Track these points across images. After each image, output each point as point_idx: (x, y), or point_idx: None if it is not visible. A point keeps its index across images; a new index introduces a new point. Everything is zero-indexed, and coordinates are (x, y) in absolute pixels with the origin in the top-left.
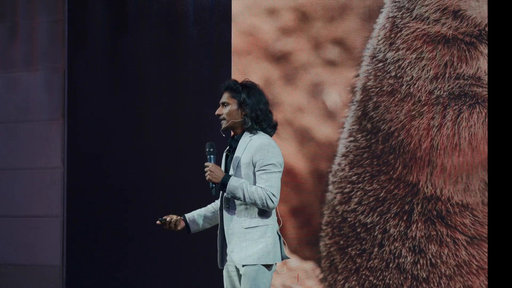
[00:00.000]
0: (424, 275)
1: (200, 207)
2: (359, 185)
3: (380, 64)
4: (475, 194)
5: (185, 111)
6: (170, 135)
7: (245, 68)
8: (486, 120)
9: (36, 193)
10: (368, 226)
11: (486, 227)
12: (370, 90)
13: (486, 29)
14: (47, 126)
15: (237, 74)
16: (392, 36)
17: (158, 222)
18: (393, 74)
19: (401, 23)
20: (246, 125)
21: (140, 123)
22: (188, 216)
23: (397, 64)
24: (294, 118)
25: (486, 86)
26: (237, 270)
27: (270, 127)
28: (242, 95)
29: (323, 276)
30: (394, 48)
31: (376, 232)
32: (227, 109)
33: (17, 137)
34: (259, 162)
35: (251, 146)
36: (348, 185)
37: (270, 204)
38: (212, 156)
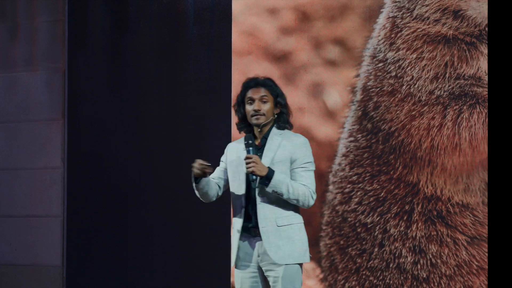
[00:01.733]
0: (425, 275)
1: (200, 207)
2: (360, 185)
3: (381, 64)
4: (475, 194)
5: (185, 111)
6: (170, 135)
7: (245, 68)
8: (487, 120)
9: (36, 193)
10: (369, 226)
11: (486, 227)
12: (371, 90)
13: (487, 29)
14: (47, 126)
15: (237, 74)
16: (392, 36)
17: (204, 164)
18: (393, 74)
19: (402, 23)
20: (280, 122)
21: (140, 123)
22: (205, 179)
23: (397, 64)
24: (294, 118)
25: (487, 86)
26: (261, 270)
27: (291, 126)
28: (277, 93)
29: (323, 276)
30: (394, 48)
31: (377, 232)
32: (268, 105)
33: (17, 137)
34: (300, 160)
35: (288, 144)
36: (349, 185)
37: (311, 202)
38: (251, 148)
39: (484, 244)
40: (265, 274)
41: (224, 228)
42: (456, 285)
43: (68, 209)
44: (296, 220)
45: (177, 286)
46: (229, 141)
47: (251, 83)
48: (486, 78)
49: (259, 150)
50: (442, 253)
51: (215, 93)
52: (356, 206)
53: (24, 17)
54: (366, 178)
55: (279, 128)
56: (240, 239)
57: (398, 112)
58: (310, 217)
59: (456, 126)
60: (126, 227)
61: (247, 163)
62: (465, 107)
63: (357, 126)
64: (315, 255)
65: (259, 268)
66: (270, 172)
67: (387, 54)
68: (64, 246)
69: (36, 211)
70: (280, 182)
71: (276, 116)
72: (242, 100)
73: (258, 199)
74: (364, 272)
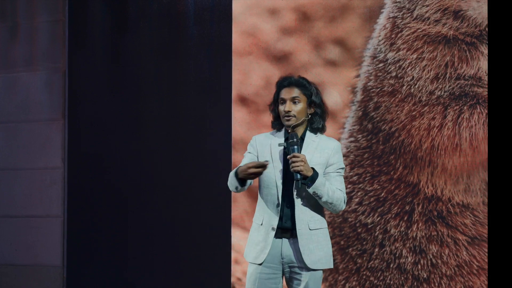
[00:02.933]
0: (425, 276)
1: (200, 207)
2: (360, 185)
3: (381, 65)
4: (475, 195)
5: (185, 111)
6: (170, 135)
7: (245, 68)
8: (487, 120)
9: (36, 193)
10: (369, 226)
11: (487, 227)
12: (371, 91)
13: (487, 29)
14: (47, 126)
15: (238, 74)
16: (392, 36)
17: (265, 162)
18: (393, 74)
19: (402, 23)
20: (314, 124)
21: (140, 123)
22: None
23: (397, 65)
24: None
25: (487, 87)
26: (283, 271)
27: (324, 129)
28: (311, 93)
29: (324, 276)
30: (394, 48)
31: (377, 232)
32: (299, 106)
33: (17, 137)
34: (336, 164)
35: (325, 147)
36: (349, 185)
37: (344, 206)
38: (296, 146)
39: (485, 244)
40: (288, 275)
41: (224, 228)
42: (456, 285)
43: (68, 209)
44: (325, 224)
45: (177, 286)
46: (229, 141)
47: (284, 83)
48: (486, 78)
49: (295, 149)
50: (442, 253)
51: (215, 93)
52: (356, 207)
53: (24, 17)
54: (366, 179)
55: (312, 130)
56: (267, 236)
57: (398, 112)
58: None
59: (457, 127)
60: (126, 227)
61: (293, 161)
62: (465, 108)
63: (358, 126)
64: None
65: (281, 270)
66: (315, 174)
67: (388, 54)
68: (64, 246)
69: (36, 211)
70: (322, 185)
71: (310, 116)
72: (276, 100)
73: (297, 199)
74: (364, 273)
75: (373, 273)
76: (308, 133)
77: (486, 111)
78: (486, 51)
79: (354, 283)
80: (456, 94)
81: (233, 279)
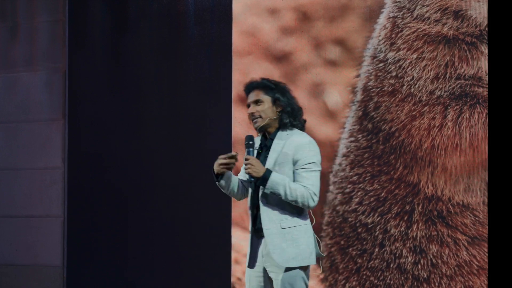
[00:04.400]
0: (425, 275)
1: (200, 207)
2: (360, 185)
3: (381, 64)
4: (475, 194)
5: (185, 111)
6: (170, 135)
7: (245, 68)
8: (487, 120)
9: (36, 193)
10: (369, 226)
11: (487, 227)
12: (371, 90)
13: (487, 29)
14: (47, 126)
15: (238, 74)
16: (393, 36)
17: (233, 153)
18: (394, 74)
19: (402, 23)
20: (282, 121)
21: (140, 123)
22: (231, 175)
23: (398, 64)
24: None
25: (487, 87)
26: (265, 272)
27: (301, 124)
28: (275, 91)
29: (324, 276)
30: (395, 48)
31: (377, 232)
32: (262, 106)
33: (17, 137)
34: (300, 161)
35: (291, 144)
36: (349, 185)
37: (312, 203)
38: (251, 149)
39: (485, 244)
40: (269, 275)
41: (224, 228)
42: (456, 285)
43: (68, 209)
44: (301, 222)
45: (177, 286)
46: (229, 141)
47: (247, 88)
48: (486, 78)
49: (267, 151)
50: (442, 253)
51: (215, 93)
52: (356, 206)
53: (24, 17)
54: (366, 178)
55: (284, 128)
56: (252, 239)
57: (398, 112)
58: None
59: (457, 126)
60: (126, 227)
61: (245, 164)
62: (465, 107)
63: (358, 126)
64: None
65: (264, 269)
66: (267, 173)
67: (388, 54)
68: (64, 246)
69: (36, 211)
70: (277, 183)
71: (279, 114)
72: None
73: (261, 201)
74: (364, 272)
75: (373, 273)
76: (279, 132)
77: (486, 111)
78: (486, 51)
79: (354, 283)
80: (456, 94)
81: (233, 279)
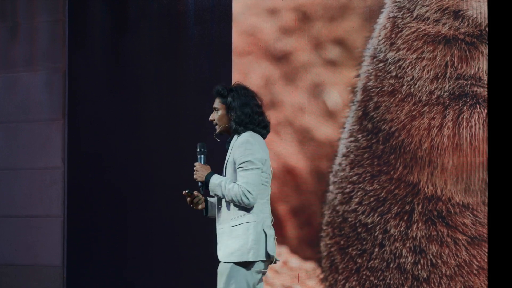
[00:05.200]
0: (425, 275)
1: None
2: (360, 185)
3: (381, 64)
4: (475, 194)
5: (185, 111)
6: (170, 135)
7: (245, 68)
8: (487, 120)
9: (36, 193)
10: (369, 226)
11: (487, 227)
12: (371, 90)
13: (487, 29)
14: (47, 126)
15: (238, 74)
16: (392, 36)
17: (184, 192)
18: (393, 74)
19: (402, 23)
20: (232, 128)
21: (140, 123)
22: (209, 199)
23: (397, 64)
24: (294, 118)
25: (487, 87)
26: None
27: (260, 127)
28: (228, 100)
29: (324, 276)
30: (394, 48)
31: (377, 232)
32: (218, 114)
33: (17, 137)
34: (237, 160)
35: (233, 146)
36: (349, 185)
37: (245, 200)
38: (202, 156)
39: (485, 244)
40: None
41: None
42: (456, 285)
43: (68, 209)
44: (246, 219)
45: (177, 286)
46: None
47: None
48: (486, 78)
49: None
50: (442, 253)
51: None
52: (356, 206)
53: (24, 17)
54: (366, 178)
55: (236, 131)
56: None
57: (398, 112)
58: (310, 217)
59: (457, 126)
60: (126, 227)
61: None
62: (465, 107)
63: (358, 126)
64: (315, 255)
65: None
66: (208, 177)
67: (388, 54)
68: (64, 246)
69: (36, 211)
70: (216, 185)
71: (231, 123)
72: None
73: (217, 202)
74: (364, 272)
75: (373, 273)
76: (233, 137)
77: (486, 111)
78: (486, 51)
79: (354, 283)
80: (456, 94)
81: None
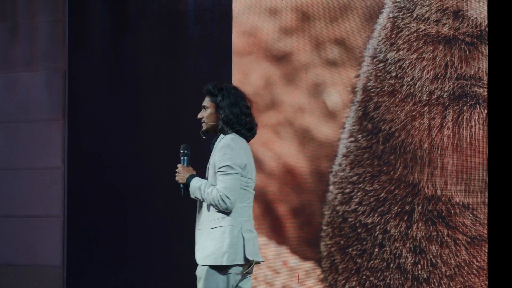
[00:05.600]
0: (425, 276)
1: None
2: (360, 185)
3: (381, 65)
4: (475, 195)
5: (185, 111)
6: (170, 135)
7: (245, 68)
8: (487, 120)
9: (36, 193)
10: (369, 226)
11: (487, 227)
12: (371, 91)
13: (487, 29)
14: (47, 126)
15: (238, 74)
16: (392, 36)
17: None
18: (393, 74)
19: (402, 23)
20: (218, 127)
21: (140, 123)
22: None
23: (397, 65)
24: (294, 118)
25: (487, 87)
26: None
27: (245, 129)
28: (218, 98)
29: (324, 276)
30: (394, 48)
31: (377, 232)
32: (207, 112)
33: (17, 137)
34: (217, 164)
35: (215, 148)
36: (349, 186)
37: (223, 205)
38: (185, 158)
39: (485, 245)
40: None
41: None
42: (456, 285)
43: (68, 209)
44: (224, 223)
45: (177, 286)
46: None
47: (203, 93)
48: (486, 78)
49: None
50: (442, 254)
51: None
52: (356, 207)
53: (24, 17)
54: (366, 179)
55: (221, 132)
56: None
57: (398, 112)
58: (310, 217)
59: (457, 127)
60: (126, 227)
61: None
62: (465, 108)
63: (358, 126)
64: (315, 255)
65: None
66: (188, 179)
67: (388, 54)
68: (64, 246)
69: (36, 211)
70: (196, 188)
71: (220, 120)
72: None
73: (198, 204)
74: (364, 273)
75: (373, 273)
76: (218, 138)
77: (486, 111)
78: (486, 51)
79: (354, 283)
80: (456, 94)
81: None
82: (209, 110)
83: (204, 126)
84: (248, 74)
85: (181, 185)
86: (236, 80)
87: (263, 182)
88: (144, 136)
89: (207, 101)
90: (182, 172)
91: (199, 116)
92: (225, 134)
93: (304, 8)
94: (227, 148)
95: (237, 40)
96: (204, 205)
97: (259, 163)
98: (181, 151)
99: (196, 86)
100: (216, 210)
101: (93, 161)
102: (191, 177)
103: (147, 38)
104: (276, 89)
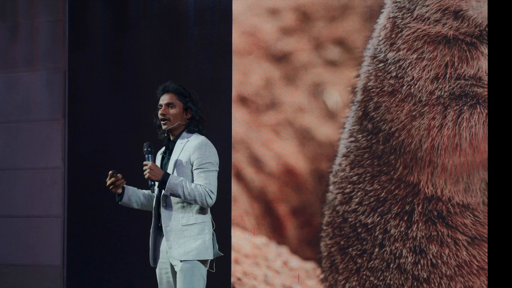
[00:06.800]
0: (425, 276)
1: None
2: (360, 185)
3: (381, 64)
4: (475, 194)
5: None
6: None
7: (245, 68)
8: (487, 120)
9: (36, 193)
10: (369, 226)
11: (487, 227)
12: (371, 91)
13: (487, 29)
14: (47, 126)
15: (238, 74)
16: (393, 36)
17: (111, 173)
18: (393, 74)
19: (402, 23)
20: (190, 128)
21: (140, 123)
22: (128, 187)
23: (398, 65)
24: (294, 118)
25: (487, 87)
26: (172, 267)
27: (205, 129)
28: (188, 99)
29: (324, 276)
30: (395, 48)
31: (377, 232)
32: (174, 111)
33: (17, 137)
34: (197, 161)
35: (189, 146)
36: (349, 186)
37: (209, 201)
38: (150, 155)
39: (485, 244)
40: (175, 269)
41: (224, 228)
42: (456, 285)
43: (69, 209)
44: (200, 219)
45: None
46: (230, 141)
47: (162, 90)
48: (486, 78)
49: (169, 153)
50: (442, 254)
51: (215, 93)
52: (356, 207)
53: (24, 17)
54: (366, 179)
55: (189, 132)
56: (154, 237)
57: (398, 112)
58: (310, 217)
59: (457, 126)
60: (126, 227)
61: (144, 170)
62: (465, 108)
63: (358, 126)
64: (315, 255)
65: (171, 264)
66: (165, 176)
67: (388, 54)
68: (64, 246)
69: (36, 211)
70: (175, 185)
71: (187, 121)
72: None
73: (162, 200)
74: (364, 273)
75: (373, 273)
76: (181, 136)
77: (486, 111)
78: (486, 51)
79: (354, 283)
80: (456, 94)
81: (233, 279)
82: (177, 109)
83: (170, 124)
84: (248, 74)
85: (151, 182)
86: (236, 80)
87: (263, 182)
88: (144, 136)
89: (174, 99)
90: (155, 169)
91: (163, 112)
92: (192, 133)
93: (304, 8)
94: (206, 146)
95: (237, 40)
96: (173, 202)
97: (259, 163)
98: (146, 149)
99: (196, 86)
100: (190, 207)
101: (93, 161)
102: (167, 174)
103: (147, 38)
104: (276, 89)
